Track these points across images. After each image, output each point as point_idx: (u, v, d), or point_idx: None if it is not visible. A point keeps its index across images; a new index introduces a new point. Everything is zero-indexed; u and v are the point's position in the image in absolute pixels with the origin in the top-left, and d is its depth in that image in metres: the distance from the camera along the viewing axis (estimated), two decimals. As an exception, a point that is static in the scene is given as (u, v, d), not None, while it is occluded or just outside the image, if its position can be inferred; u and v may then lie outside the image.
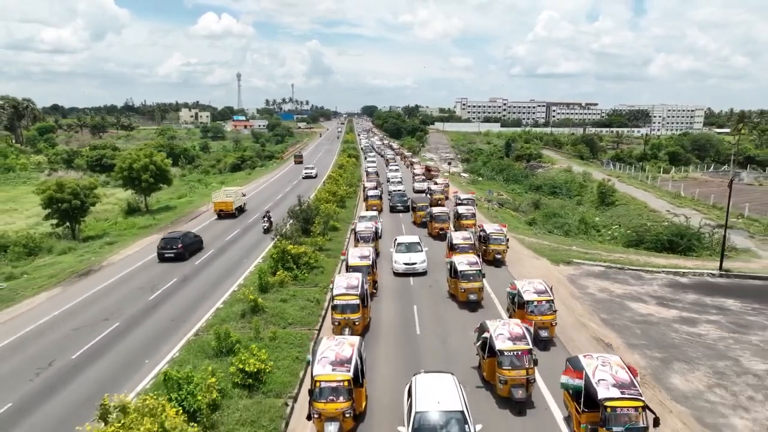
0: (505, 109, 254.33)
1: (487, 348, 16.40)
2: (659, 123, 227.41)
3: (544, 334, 19.46)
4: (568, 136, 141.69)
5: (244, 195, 49.26)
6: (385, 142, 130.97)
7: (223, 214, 44.43)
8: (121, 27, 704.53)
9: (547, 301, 19.90)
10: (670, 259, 32.98)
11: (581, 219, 46.43)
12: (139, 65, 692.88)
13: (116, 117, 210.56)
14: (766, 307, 24.26)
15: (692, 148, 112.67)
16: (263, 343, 18.17)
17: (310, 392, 13.84)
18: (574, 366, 14.14)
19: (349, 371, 13.99)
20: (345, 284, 20.67)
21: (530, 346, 15.74)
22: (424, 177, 62.12)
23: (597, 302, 24.77)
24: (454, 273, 24.29)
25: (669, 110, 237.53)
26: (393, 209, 46.76)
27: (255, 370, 15.68)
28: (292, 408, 15.52)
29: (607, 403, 12.67)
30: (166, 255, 31.58)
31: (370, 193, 47.34)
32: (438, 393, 13.29)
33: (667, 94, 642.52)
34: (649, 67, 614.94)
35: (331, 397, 13.71)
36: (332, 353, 14.61)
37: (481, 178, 75.37)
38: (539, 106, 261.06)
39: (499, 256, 29.96)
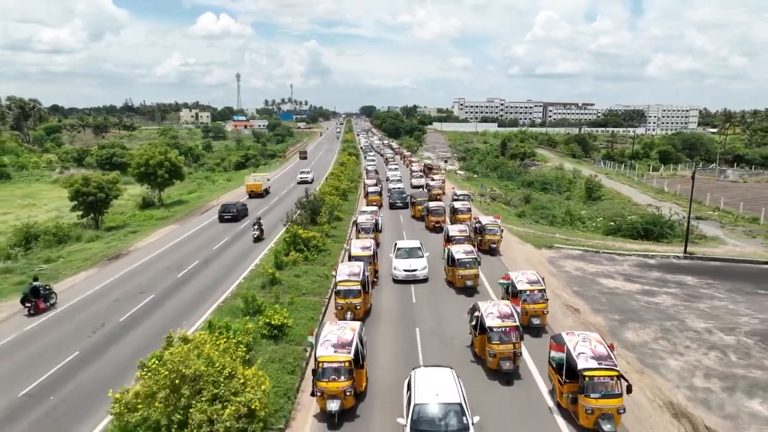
0: (502, 110, 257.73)
1: (478, 326, 18.09)
2: (654, 123, 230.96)
3: (536, 321, 20.67)
4: (562, 136, 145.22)
5: (268, 180, 60.63)
6: (385, 141, 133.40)
7: (253, 195, 55.36)
8: (120, 27, 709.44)
9: (540, 291, 21.11)
10: (643, 245, 36.51)
11: (567, 211, 49.89)
12: (137, 65, 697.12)
13: (118, 117, 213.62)
14: (718, 282, 27.76)
15: (683, 147, 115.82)
16: (283, 306, 21.54)
17: (314, 372, 15.03)
18: (558, 342, 15.66)
19: (349, 353, 15.07)
20: (348, 272, 22.28)
21: (517, 323, 17.44)
22: (421, 174, 65.43)
23: (571, 278, 28.23)
24: (451, 261, 26.13)
25: (664, 110, 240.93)
26: (392, 206, 48.79)
27: (279, 323, 19.10)
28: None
29: (586, 373, 14.08)
30: (225, 217, 43.07)
31: (370, 189, 49.83)
32: (437, 386, 13.86)
33: (665, 94, 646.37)
34: (647, 68, 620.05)
35: (333, 377, 14.78)
36: (334, 337, 15.84)
37: (476, 175, 78.78)
38: (536, 106, 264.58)
39: (494, 246, 32.15)
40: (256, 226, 37.03)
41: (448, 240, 30.96)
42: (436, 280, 27.85)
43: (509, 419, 15.31)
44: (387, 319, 22.90)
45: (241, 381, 12.73)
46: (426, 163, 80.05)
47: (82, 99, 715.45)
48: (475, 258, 25.88)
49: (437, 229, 37.96)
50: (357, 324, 17.15)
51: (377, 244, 30.63)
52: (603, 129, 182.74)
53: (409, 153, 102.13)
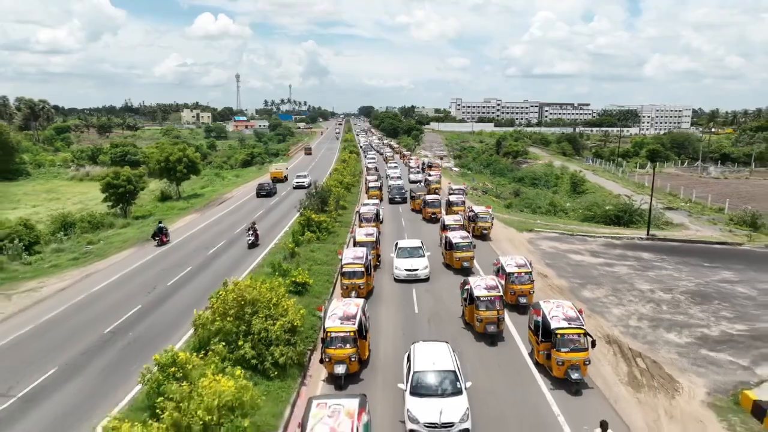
0: (498, 110, 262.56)
1: (468, 297, 20.82)
2: (648, 123, 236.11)
3: (523, 300, 22.64)
4: (555, 135, 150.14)
5: (287, 168, 73.80)
6: (384, 141, 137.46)
7: (276, 180, 65.50)
8: (117, 27, 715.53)
9: (527, 273, 23.20)
10: (614, 229, 41.39)
11: (550, 202, 54.79)
12: (135, 66, 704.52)
13: (122, 117, 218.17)
14: (670, 257, 32.63)
15: (672, 145, 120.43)
16: (304, 270, 26.28)
17: (323, 341, 17.16)
18: (535, 308, 18.31)
19: (354, 324, 17.11)
20: (352, 255, 24.80)
21: (501, 293, 20.10)
22: (419, 170, 70.31)
23: (545, 254, 33.07)
24: (449, 246, 28.98)
25: (657, 110, 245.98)
26: (392, 201, 52.24)
27: (303, 281, 23.87)
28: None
29: (558, 332, 16.54)
30: (261, 193, 55.79)
31: (371, 184, 54.36)
32: (434, 356, 15.37)
33: (662, 94, 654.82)
34: (644, 68, 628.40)
35: (339, 345, 16.84)
36: (341, 311, 17.91)
37: (470, 172, 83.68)
38: (532, 106, 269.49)
39: (485, 232, 36.10)
40: (250, 231, 34.67)
41: (444, 228, 34.48)
42: (434, 262, 30.48)
43: (494, 373, 17.83)
44: (388, 300, 25.07)
45: (285, 307, 17.50)
46: (425, 160, 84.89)
47: (79, 99, 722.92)
48: (470, 242, 29.00)
49: (433, 219, 42.09)
50: (361, 301, 19.37)
51: (379, 232, 33.79)
52: (597, 129, 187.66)
53: (408, 152, 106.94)
